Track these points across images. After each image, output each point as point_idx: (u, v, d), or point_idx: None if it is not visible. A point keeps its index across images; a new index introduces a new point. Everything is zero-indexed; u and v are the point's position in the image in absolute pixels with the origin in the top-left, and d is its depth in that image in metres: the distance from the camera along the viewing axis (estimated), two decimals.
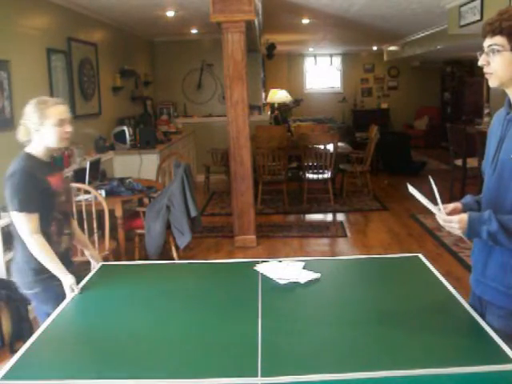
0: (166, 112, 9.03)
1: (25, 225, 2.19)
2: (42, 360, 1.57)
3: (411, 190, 1.75)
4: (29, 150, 2.28)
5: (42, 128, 2.23)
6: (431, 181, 1.73)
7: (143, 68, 8.46)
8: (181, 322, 1.80)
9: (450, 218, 1.64)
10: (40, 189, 2.23)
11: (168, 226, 4.26)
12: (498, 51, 1.57)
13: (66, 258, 2.38)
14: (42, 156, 2.30)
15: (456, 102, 12.72)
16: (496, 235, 1.56)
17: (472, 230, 1.60)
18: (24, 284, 2.32)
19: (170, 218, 4.23)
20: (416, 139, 11.72)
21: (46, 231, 2.27)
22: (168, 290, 2.14)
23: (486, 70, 1.63)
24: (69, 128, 2.28)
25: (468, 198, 1.86)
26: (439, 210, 1.68)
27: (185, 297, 2.05)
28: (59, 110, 2.26)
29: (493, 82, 1.64)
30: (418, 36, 9.38)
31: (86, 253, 2.62)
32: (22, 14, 4.55)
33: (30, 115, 2.24)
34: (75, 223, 2.61)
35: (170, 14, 6.47)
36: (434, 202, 1.70)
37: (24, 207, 2.19)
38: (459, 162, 6.53)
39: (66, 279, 2.18)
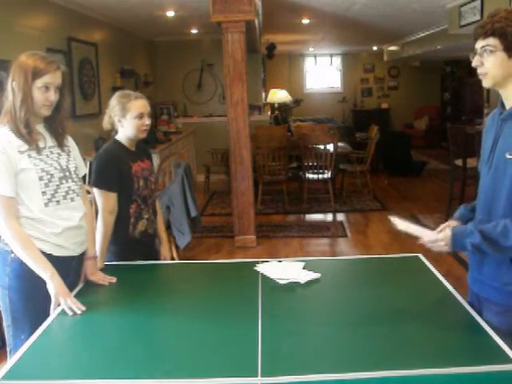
0: (166, 112, 9.03)
1: (99, 201, 2.34)
2: (42, 360, 1.57)
3: (394, 220, 1.80)
4: (117, 137, 2.52)
5: (123, 120, 2.43)
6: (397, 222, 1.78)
7: (143, 68, 8.46)
8: (181, 322, 1.80)
9: (434, 238, 1.69)
10: (121, 170, 2.39)
11: (168, 226, 4.26)
12: (491, 51, 1.62)
13: (142, 243, 2.48)
14: (125, 144, 2.50)
15: (456, 102, 12.72)
16: (480, 246, 1.60)
17: (456, 245, 1.65)
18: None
19: (169, 218, 4.23)
20: (416, 139, 11.71)
21: (125, 212, 2.41)
22: (168, 290, 2.14)
23: (479, 70, 1.67)
24: (148, 121, 2.46)
25: (462, 210, 1.90)
26: (422, 232, 1.73)
27: (185, 297, 2.04)
28: (139, 104, 2.43)
29: (487, 82, 1.68)
30: (418, 36, 9.38)
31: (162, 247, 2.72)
32: (22, 14, 4.55)
33: (113, 107, 2.45)
34: (158, 215, 2.67)
35: (170, 13, 6.47)
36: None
37: (100, 184, 2.37)
38: (459, 162, 6.52)
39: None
